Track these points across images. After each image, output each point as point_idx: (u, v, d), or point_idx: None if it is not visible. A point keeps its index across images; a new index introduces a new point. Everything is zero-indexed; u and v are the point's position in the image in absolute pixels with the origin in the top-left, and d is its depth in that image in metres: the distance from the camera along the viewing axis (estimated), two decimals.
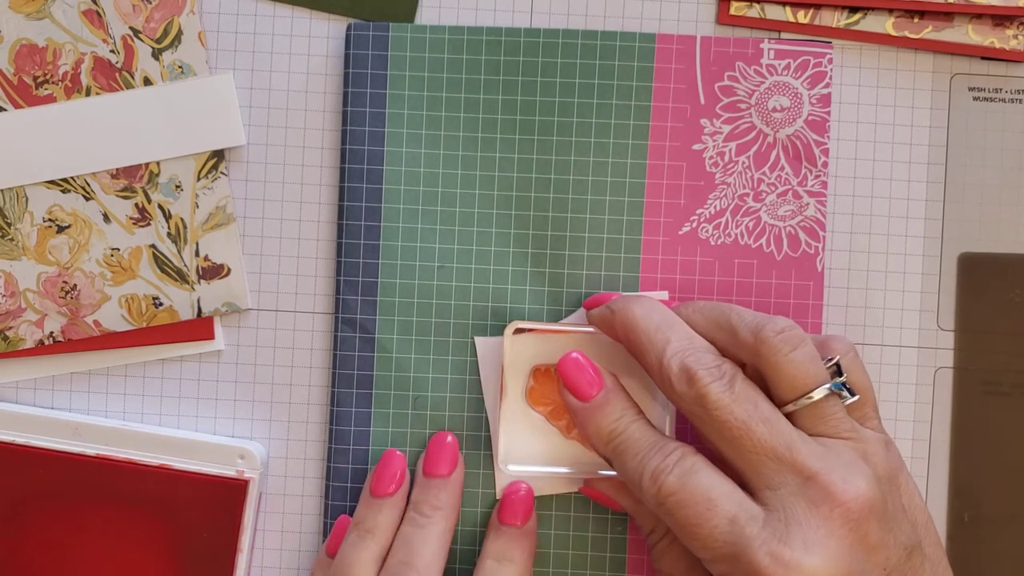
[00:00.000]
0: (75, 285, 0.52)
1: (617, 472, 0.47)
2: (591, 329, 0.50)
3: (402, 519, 0.50)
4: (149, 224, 0.52)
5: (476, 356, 0.52)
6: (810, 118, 0.52)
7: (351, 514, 0.52)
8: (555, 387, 0.51)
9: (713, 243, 0.52)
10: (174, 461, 0.52)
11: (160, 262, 0.53)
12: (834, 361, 0.46)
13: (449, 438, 0.51)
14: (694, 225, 0.52)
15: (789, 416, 0.44)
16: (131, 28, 0.52)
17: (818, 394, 0.44)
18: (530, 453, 0.51)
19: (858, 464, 0.43)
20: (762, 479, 0.43)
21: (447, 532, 0.50)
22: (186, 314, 0.53)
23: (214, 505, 0.52)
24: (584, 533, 0.52)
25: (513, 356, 0.51)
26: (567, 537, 0.52)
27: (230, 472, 0.52)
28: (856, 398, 0.46)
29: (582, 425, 0.48)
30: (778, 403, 0.45)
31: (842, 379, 0.45)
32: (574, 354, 0.49)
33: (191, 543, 0.52)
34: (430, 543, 0.49)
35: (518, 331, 0.51)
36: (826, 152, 0.52)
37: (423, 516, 0.50)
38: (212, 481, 0.52)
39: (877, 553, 0.42)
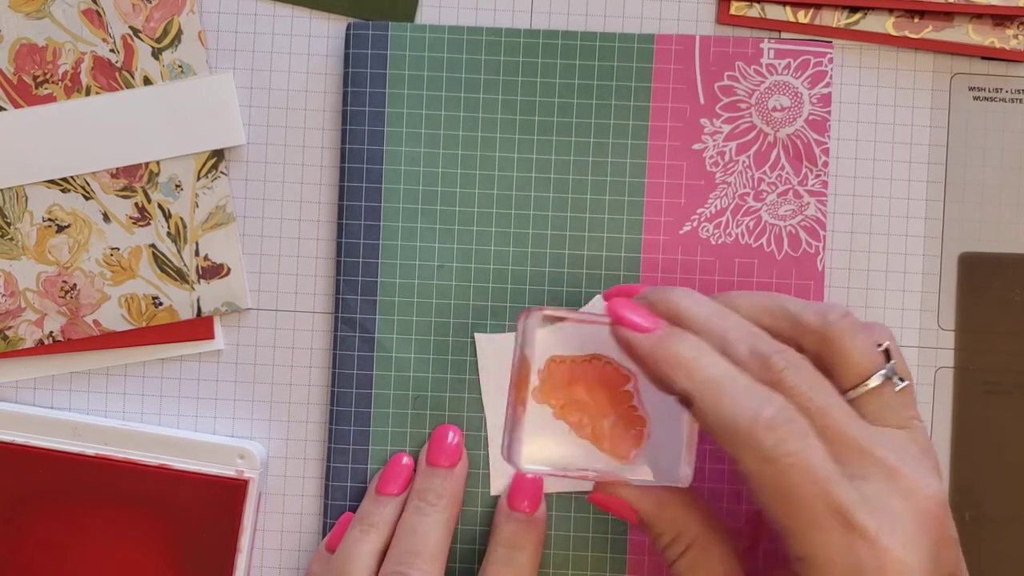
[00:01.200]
0: (75, 285, 0.52)
1: (700, 413, 0.41)
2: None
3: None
4: (149, 224, 0.52)
5: (475, 357, 0.52)
6: (810, 117, 0.52)
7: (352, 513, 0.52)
8: (567, 380, 0.48)
9: (714, 242, 0.52)
10: (174, 461, 0.52)
11: (160, 262, 0.53)
12: (884, 347, 0.45)
13: (452, 431, 0.51)
14: (695, 224, 0.52)
15: (853, 403, 0.43)
16: (131, 27, 0.52)
17: (875, 381, 0.43)
18: (539, 451, 0.49)
19: (923, 459, 0.42)
20: (848, 467, 0.40)
21: (451, 521, 0.50)
22: (186, 314, 0.53)
23: (214, 505, 0.52)
24: (584, 533, 0.52)
25: (534, 346, 0.47)
26: (567, 537, 0.52)
27: (230, 472, 0.52)
28: (905, 384, 0.44)
29: (651, 356, 0.42)
30: (839, 390, 0.43)
31: (893, 363, 0.44)
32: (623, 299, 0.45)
33: (191, 543, 0.52)
34: (436, 530, 0.49)
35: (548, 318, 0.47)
36: (826, 151, 0.52)
37: (428, 504, 0.49)
38: (212, 481, 0.52)
39: (953, 547, 0.41)
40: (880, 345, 0.45)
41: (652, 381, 0.43)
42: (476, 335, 0.52)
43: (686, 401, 0.42)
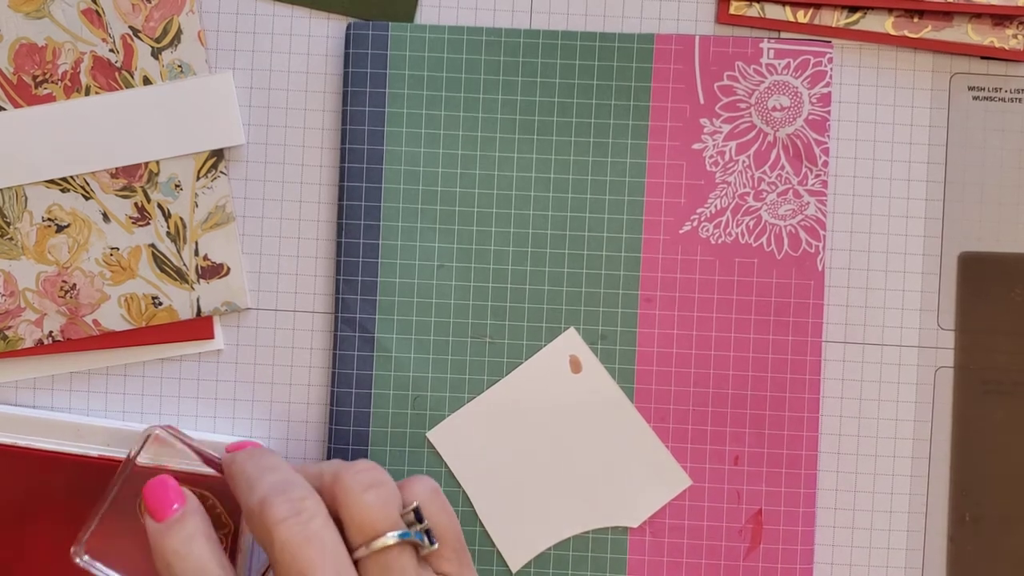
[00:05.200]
0: (74, 284, 0.52)
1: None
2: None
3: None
4: (148, 223, 0.52)
5: (475, 357, 0.52)
6: (810, 117, 0.52)
7: None
8: None
9: (714, 242, 0.52)
10: (174, 461, 0.52)
11: (159, 261, 0.53)
12: (411, 508, 0.44)
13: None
14: (695, 224, 0.52)
15: (359, 563, 0.42)
16: (130, 27, 0.52)
17: (384, 541, 0.42)
18: (114, 552, 0.48)
19: None
20: None
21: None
22: (185, 313, 0.53)
23: (215, 505, 0.52)
24: (584, 533, 0.52)
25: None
26: (567, 538, 0.52)
27: None
28: (435, 547, 0.44)
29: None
30: (350, 548, 0.43)
31: (418, 527, 0.44)
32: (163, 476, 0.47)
33: None
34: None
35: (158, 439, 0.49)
36: (826, 151, 0.52)
37: None
38: (213, 481, 0.52)
39: None
40: (411, 505, 0.44)
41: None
42: (427, 435, 0.52)
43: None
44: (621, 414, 0.52)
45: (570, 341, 0.52)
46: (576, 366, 0.52)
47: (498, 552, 0.52)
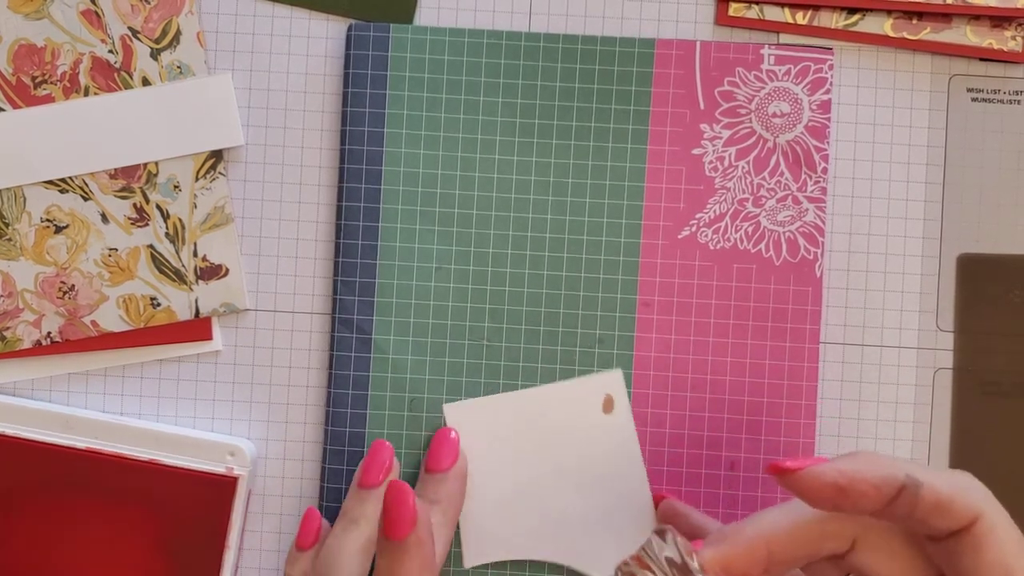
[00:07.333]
0: (73, 285, 0.52)
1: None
2: None
3: None
4: (147, 224, 0.52)
5: (473, 359, 0.52)
6: (810, 124, 0.52)
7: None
8: None
9: (712, 247, 0.52)
10: (164, 456, 0.52)
11: (158, 262, 0.53)
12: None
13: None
14: (693, 229, 0.52)
15: None
16: (130, 28, 0.52)
17: None
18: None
19: None
20: None
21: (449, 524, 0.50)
22: (184, 314, 0.53)
23: (203, 501, 0.52)
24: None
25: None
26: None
27: (219, 469, 0.52)
28: None
29: (845, 477, 0.38)
30: None
31: None
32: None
33: (179, 538, 0.52)
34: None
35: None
36: (826, 158, 0.52)
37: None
38: (201, 477, 0.52)
39: None
40: None
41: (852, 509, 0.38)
42: (444, 406, 0.52)
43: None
44: (629, 468, 0.52)
45: (613, 380, 0.52)
46: (609, 406, 0.52)
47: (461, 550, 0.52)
